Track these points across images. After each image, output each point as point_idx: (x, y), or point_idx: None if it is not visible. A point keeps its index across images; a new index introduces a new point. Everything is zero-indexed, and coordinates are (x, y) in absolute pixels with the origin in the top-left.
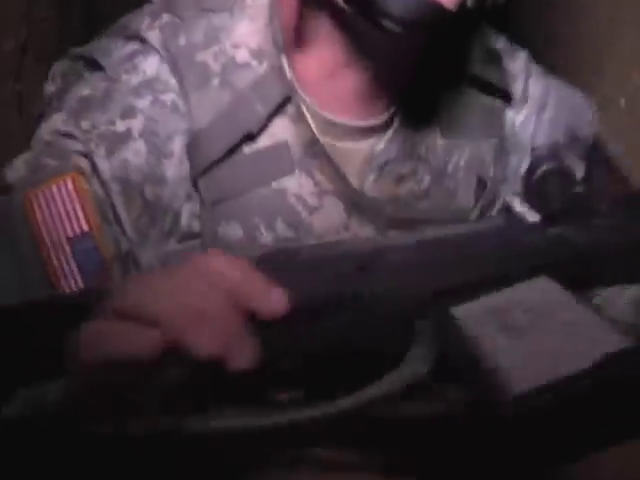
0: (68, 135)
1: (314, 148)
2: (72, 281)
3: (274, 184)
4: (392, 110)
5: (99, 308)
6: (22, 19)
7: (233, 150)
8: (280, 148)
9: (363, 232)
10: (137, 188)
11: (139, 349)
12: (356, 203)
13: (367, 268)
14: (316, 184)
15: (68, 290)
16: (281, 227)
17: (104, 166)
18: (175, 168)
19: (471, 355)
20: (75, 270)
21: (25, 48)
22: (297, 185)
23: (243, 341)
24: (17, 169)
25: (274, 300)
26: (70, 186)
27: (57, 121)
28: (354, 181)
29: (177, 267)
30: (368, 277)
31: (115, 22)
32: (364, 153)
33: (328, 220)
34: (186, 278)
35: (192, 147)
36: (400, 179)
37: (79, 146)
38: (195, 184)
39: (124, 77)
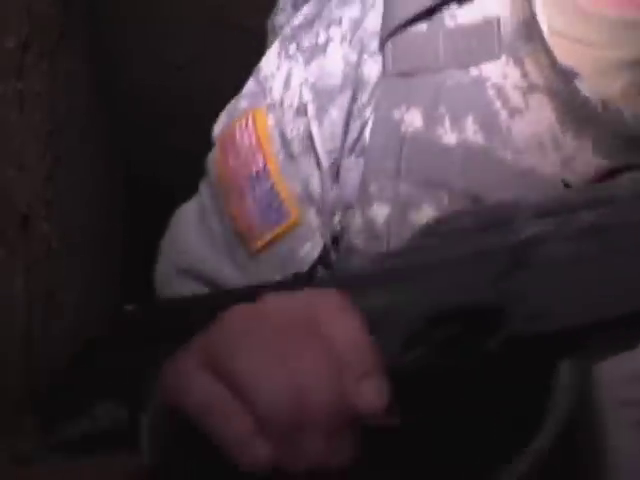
0: (272, 74)
1: (530, 29)
2: (253, 225)
3: (472, 70)
4: None
5: (194, 344)
6: (24, 16)
7: (431, 13)
8: (489, 25)
9: (581, 154)
10: (332, 93)
11: (240, 456)
12: (575, 109)
13: (520, 265)
14: (524, 75)
15: (256, 237)
16: (471, 128)
17: (300, 74)
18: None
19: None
20: (256, 213)
21: (27, 45)
22: (500, 74)
23: (344, 452)
24: (220, 121)
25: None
26: (250, 123)
27: (265, 61)
28: (591, 89)
29: (291, 320)
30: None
31: (116, 19)
32: (621, 58)
33: (533, 127)
34: (299, 345)
35: None
36: None
37: (280, 74)
38: (382, 48)
39: None
